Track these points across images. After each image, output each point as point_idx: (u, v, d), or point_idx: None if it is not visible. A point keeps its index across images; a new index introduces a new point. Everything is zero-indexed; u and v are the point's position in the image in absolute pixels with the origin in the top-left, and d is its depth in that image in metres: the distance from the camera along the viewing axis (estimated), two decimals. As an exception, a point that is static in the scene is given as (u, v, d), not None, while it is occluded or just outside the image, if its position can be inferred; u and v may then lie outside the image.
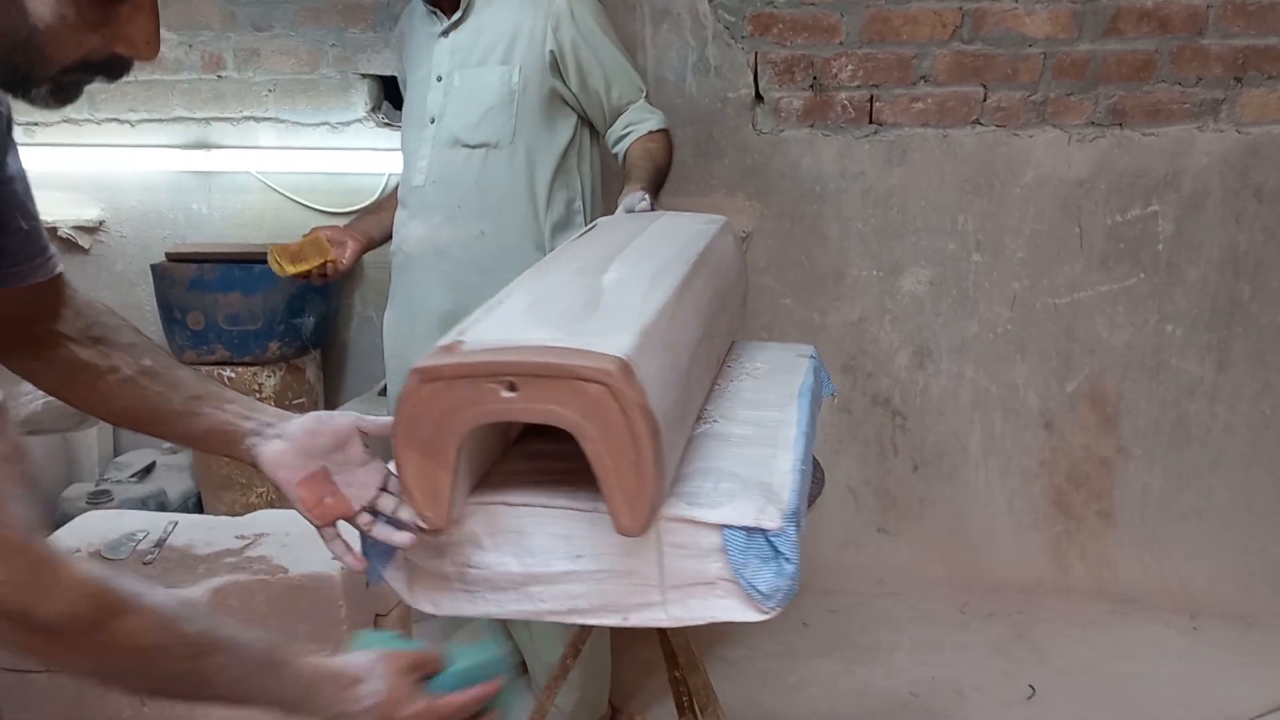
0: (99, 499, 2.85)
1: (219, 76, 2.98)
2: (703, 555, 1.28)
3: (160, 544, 1.78)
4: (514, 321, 1.28)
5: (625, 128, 2.28)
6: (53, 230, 3.07)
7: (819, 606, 2.96)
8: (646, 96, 2.32)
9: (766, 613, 1.28)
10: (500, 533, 1.25)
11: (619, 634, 2.44)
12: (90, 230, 3.10)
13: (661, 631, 1.81)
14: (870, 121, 2.85)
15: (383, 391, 2.81)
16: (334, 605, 1.71)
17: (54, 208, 3.08)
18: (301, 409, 2.89)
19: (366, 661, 1.05)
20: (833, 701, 2.59)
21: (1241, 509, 2.96)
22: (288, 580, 1.70)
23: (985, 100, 2.81)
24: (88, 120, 3.03)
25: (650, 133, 2.27)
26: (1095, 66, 2.76)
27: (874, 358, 2.99)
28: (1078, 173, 2.83)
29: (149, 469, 3.04)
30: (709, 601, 1.31)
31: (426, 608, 1.30)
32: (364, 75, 2.95)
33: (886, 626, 2.90)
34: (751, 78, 2.85)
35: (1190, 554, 2.99)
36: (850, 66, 2.82)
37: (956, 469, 3.04)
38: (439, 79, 2.27)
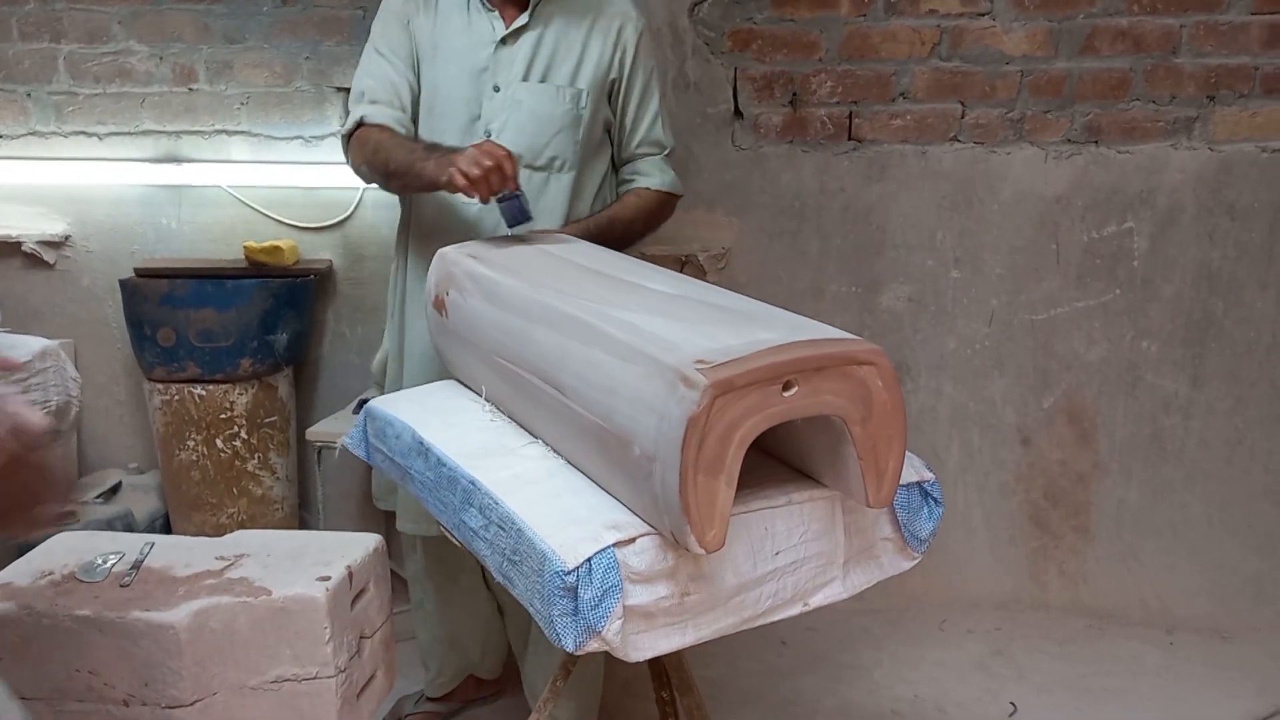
0: (64, 520, 2.77)
1: (190, 89, 2.93)
2: (875, 519, 1.38)
3: (137, 565, 1.73)
4: (707, 332, 1.26)
5: (630, 174, 2.24)
6: (17, 245, 3.01)
7: (798, 624, 2.94)
8: (668, 154, 2.26)
9: (917, 558, 1.43)
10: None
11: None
12: (56, 245, 3.03)
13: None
14: (849, 138, 2.85)
15: (359, 408, 2.76)
16: (318, 627, 1.66)
17: (19, 221, 3.01)
18: (274, 427, 2.87)
19: None
20: (815, 720, 2.58)
21: (1216, 523, 2.98)
22: (271, 602, 1.66)
23: (963, 117, 2.82)
24: (54, 133, 2.97)
25: (647, 188, 2.21)
26: (1071, 84, 2.78)
27: (852, 374, 2.99)
28: (1054, 189, 2.85)
29: (115, 489, 2.97)
30: (873, 562, 1.41)
31: (634, 656, 1.26)
32: (339, 88, 2.91)
33: (866, 644, 2.89)
34: (731, 93, 2.85)
35: (1166, 569, 3.01)
36: (829, 83, 2.82)
37: (935, 485, 3.04)
38: (496, 89, 2.14)
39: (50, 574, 1.73)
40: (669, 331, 1.27)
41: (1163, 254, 2.86)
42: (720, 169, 2.89)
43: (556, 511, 1.32)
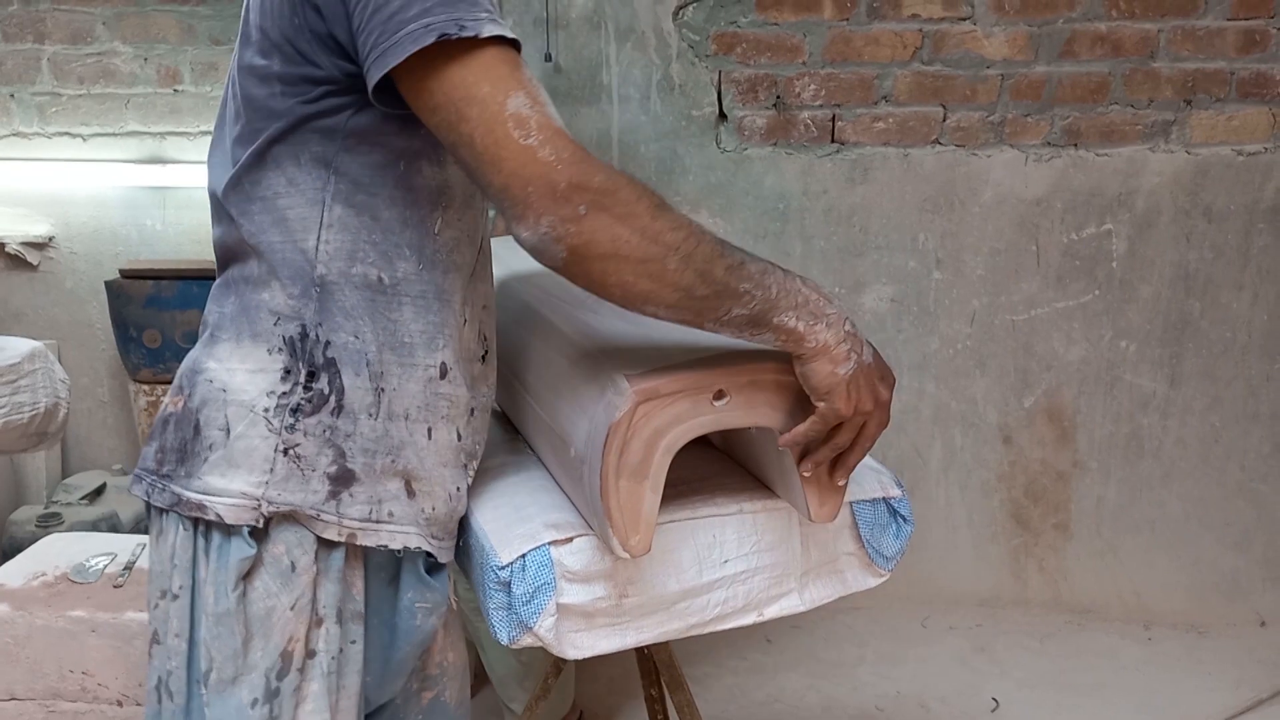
0: (49, 522, 2.77)
1: (175, 90, 2.93)
2: (835, 533, 1.34)
3: (129, 566, 1.74)
4: (657, 339, 1.26)
5: None
6: (0, 246, 3.00)
7: (782, 622, 2.95)
8: None
9: (884, 575, 1.37)
10: (653, 554, 1.23)
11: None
12: (39, 246, 3.02)
13: (639, 649, 1.80)
14: (832, 140, 2.88)
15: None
16: (311, 627, 1.67)
17: (2, 223, 3.00)
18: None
19: None
20: (799, 717, 2.59)
21: (1193, 520, 3.02)
22: (264, 602, 1.66)
23: (945, 120, 2.86)
24: (38, 134, 2.96)
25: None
26: (1051, 88, 2.82)
27: (836, 374, 3.01)
28: (1034, 192, 2.88)
29: (99, 491, 2.96)
30: (834, 577, 1.37)
31: (571, 653, 1.25)
32: (325, 90, 2.91)
33: (850, 641, 2.92)
34: (715, 96, 2.87)
35: (1144, 565, 3.05)
36: (813, 86, 2.85)
37: (917, 483, 3.07)
38: None
39: (43, 575, 1.73)
40: (620, 335, 1.27)
41: (1141, 255, 2.90)
42: (705, 171, 2.91)
43: (508, 509, 1.32)
